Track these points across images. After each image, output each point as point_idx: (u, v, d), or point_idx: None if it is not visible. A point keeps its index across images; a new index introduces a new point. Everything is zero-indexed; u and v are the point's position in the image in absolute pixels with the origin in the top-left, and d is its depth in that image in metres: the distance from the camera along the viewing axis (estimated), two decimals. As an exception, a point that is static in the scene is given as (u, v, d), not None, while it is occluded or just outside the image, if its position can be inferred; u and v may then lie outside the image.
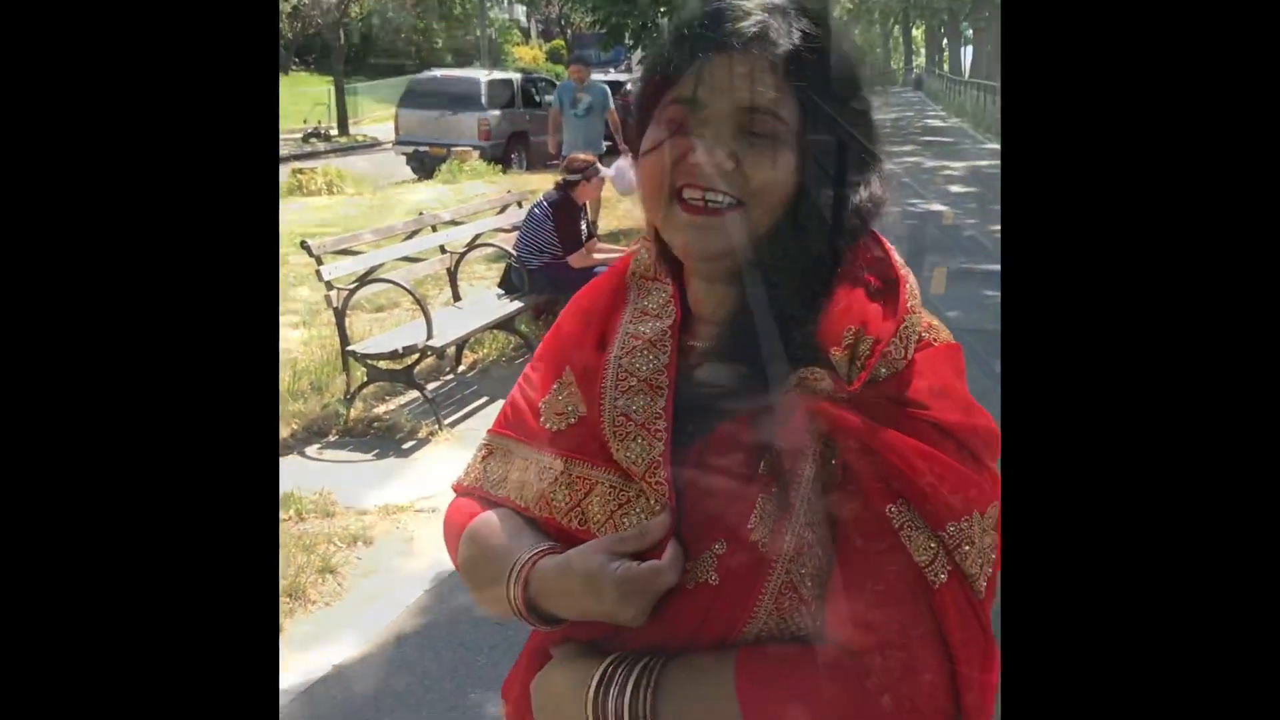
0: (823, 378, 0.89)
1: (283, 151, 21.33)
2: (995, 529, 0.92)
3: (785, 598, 0.89)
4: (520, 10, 44.22)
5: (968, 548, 0.89)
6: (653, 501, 0.93)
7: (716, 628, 0.91)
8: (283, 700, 2.66)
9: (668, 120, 0.91)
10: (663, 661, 0.92)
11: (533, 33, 44.43)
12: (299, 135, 23.90)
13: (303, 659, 2.90)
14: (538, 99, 17.95)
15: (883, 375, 0.90)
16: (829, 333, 0.90)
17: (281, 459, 4.39)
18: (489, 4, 36.02)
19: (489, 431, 1.11)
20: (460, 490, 1.11)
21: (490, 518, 1.04)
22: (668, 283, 1.01)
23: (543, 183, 14.30)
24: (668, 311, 0.99)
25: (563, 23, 40.65)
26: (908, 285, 0.94)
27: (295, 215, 11.47)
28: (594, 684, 0.93)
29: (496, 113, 16.58)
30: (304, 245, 5.06)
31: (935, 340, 0.95)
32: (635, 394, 0.96)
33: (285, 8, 26.92)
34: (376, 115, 29.10)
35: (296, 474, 4.19)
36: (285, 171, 14.53)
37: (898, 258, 0.96)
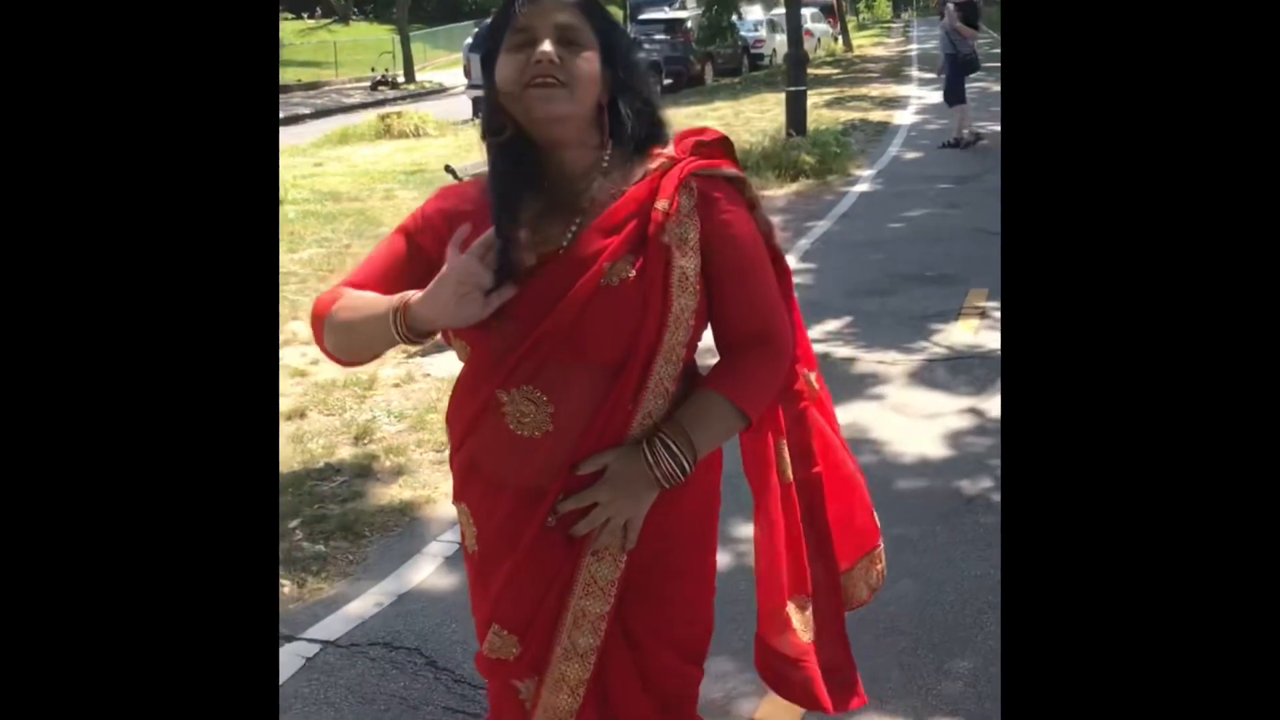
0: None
1: (354, 100, 22.09)
2: None
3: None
4: (569, -48, 43.83)
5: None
6: None
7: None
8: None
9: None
10: (675, 425, 1.44)
11: (582, -26, 44.11)
12: (367, 84, 24.52)
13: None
14: (600, 39, 18.28)
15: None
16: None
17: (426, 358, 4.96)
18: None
19: None
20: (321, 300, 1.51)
21: (352, 291, 1.46)
22: None
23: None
24: None
25: (613, -37, 40.47)
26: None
27: (392, 155, 12.20)
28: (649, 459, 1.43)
29: (562, 54, 16.99)
30: (449, 169, 5.88)
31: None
32: None
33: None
34: (438, 62, 29.76)
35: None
36: (371, 116, 15.40)
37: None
